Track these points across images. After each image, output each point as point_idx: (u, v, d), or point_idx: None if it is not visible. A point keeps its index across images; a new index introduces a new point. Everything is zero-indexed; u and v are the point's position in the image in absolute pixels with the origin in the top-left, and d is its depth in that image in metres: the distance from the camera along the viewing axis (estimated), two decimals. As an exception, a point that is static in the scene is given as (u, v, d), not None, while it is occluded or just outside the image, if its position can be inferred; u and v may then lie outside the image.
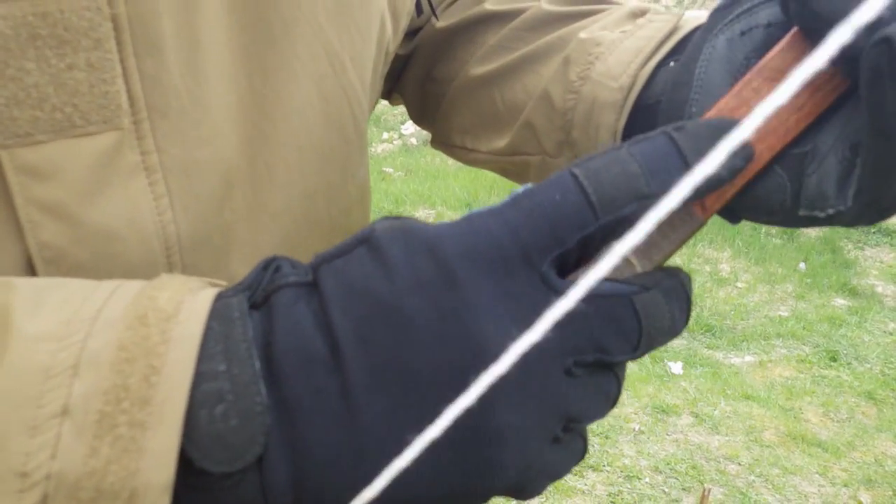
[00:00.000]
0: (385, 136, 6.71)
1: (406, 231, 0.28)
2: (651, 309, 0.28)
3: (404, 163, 6.07)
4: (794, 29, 0.32)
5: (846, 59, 0.28)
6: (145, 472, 0.24)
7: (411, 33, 0.58)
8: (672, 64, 0.41)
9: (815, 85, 0.31)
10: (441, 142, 0.59)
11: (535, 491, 0.29)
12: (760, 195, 0.32)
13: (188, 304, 0.27)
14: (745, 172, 0.32)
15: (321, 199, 0.42)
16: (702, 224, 0.32)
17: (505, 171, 0.54)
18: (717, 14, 0.36)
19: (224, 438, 0.25)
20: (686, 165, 0.28)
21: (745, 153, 0.30)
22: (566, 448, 0.29)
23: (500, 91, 0.51)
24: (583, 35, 0.46)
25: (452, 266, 0.26)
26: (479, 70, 0.52)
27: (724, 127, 0.29)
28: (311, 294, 0.28)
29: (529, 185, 0.29)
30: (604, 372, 0.29)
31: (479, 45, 0.54)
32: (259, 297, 0.28)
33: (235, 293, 0.28)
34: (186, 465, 0.25)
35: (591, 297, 0.27)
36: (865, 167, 0.29)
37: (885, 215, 0.30)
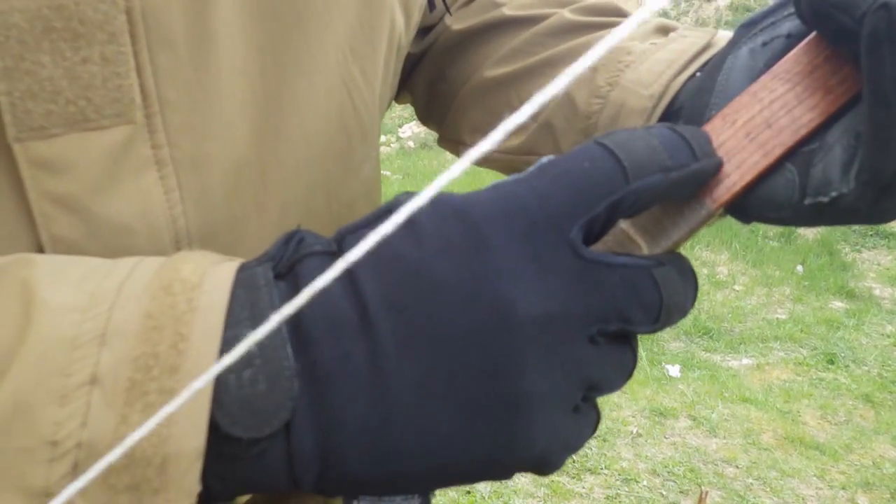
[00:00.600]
0: (382, 139, 6.72)
1: (432, 199, 0.28)
2: (669, 283, 0.29)
3: (402, 166, 6.07)
4: (811, 36, 0.33)
5: (847, 36, 0.29)
6: (177, 438, 0.24)
7: (423, 31, 0.58)
8: (697, 75, 0.41)
9: (828, 86, 0.32)
10: (450, 140, 0.60)
11: (556, 465, 0.29)
12: (770, 191, 0.33)
13: (212, 275, 0.27)
14: (757, 167, 0.32)
15: (321, 193, 0.42)
16: (711, 214, 0.33)
17: (514, 171, 0.55)
18: (742, 30, 0.37)
19: (252, 403, 0.25)
20: (691, 149, 0.30)
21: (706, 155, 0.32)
22: (584, 418, 0.30)
23: (517, 92, 0.51)
24: None
25: (481, 230, 0.27)
26: (495, 72, 0.53)
27: (701, 133, 0.32)
28: (333, 259, 0.28)
29: (551, 156, 0.29)
30: (622, 343, 0.29)
31: (495, 48, 0.54)
32: (283, 267, 0.28)
33: (260, 263, 0.28)
34: (214, 433, 0.25)
35: (615, 267, 0.28)
36: (865, 140, 0.30)
37: (885, 196, 0.30)
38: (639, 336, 0.30)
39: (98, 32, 0.31)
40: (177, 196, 0.35)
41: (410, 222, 0.27)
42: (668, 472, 2.44)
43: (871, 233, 4.40)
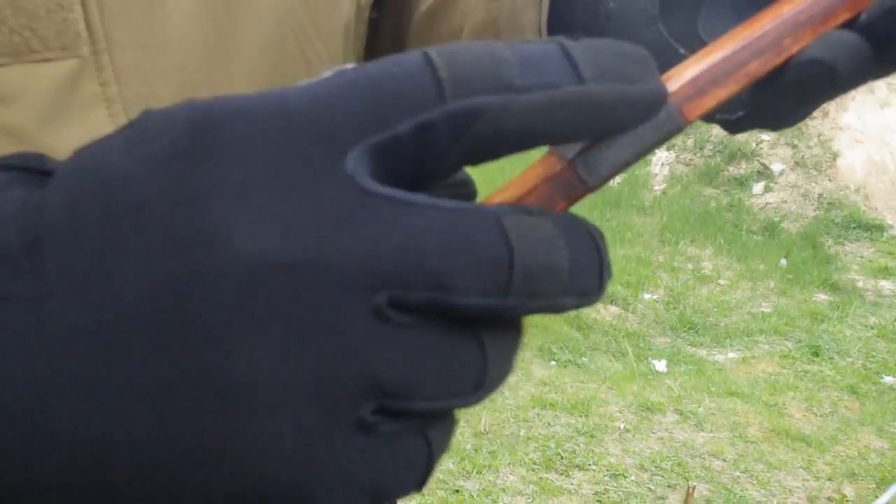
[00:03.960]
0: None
1: (189, 102, 0.20)
2: (530, 234, 0.19)
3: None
4: (774, 15, 0.26)
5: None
6: None
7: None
8: None
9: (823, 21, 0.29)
10: None
11: None
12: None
13: None
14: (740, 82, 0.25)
15: None
16: (678, 130, 0.23)
17: None
18: None
19: None
20: (574, 68, 0.19)
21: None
22: (388, 444, 0.20)
23: (440, 26, 0.52)
24: None
25: (206, 136, 0.19)
26: (423, 6, 0.54)
27: (630, 50, 0.21)
28: (43, 181, 0.20)
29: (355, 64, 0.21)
30: (445, 326, 0.19)
31: None
32: None
33: None
34: None
35: (424, 208, 0.18)
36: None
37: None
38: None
39: None
40: None
41: (135, 125, 0.20)
42: (656, 467, 2.44)
43: (853, 226, 4.44)
